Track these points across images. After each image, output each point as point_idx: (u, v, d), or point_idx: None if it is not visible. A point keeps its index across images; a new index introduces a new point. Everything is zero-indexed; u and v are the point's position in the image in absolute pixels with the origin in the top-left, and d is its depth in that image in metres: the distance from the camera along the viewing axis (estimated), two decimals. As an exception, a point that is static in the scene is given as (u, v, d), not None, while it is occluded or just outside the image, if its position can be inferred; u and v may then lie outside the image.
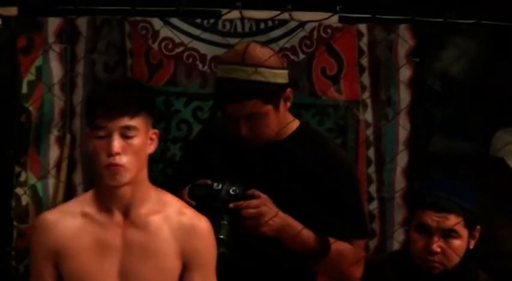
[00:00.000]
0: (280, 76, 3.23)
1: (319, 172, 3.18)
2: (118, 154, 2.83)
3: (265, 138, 3.23)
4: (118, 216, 2.93)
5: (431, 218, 3.35)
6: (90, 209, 2.94)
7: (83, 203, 2.96)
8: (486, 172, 4.06)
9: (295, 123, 3.28)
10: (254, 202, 3.13)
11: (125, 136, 2.85)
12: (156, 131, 2.94)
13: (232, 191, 3.14)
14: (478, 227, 3.41)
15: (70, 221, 2.94)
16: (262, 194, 3.16)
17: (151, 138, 2.92)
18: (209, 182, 3.18)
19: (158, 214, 2.93)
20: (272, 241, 3.15)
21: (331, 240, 3.18)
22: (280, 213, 3.15)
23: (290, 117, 3.27)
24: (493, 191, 4.00)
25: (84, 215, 2.94)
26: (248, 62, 3.18)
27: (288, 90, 3.24)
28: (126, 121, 2.85)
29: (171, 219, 2.94)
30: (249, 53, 3.19)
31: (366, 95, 4.00)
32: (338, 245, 3.19)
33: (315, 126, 3.98)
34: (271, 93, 3.20)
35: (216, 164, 3.22)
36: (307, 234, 3.15)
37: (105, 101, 2.85)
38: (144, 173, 2.93)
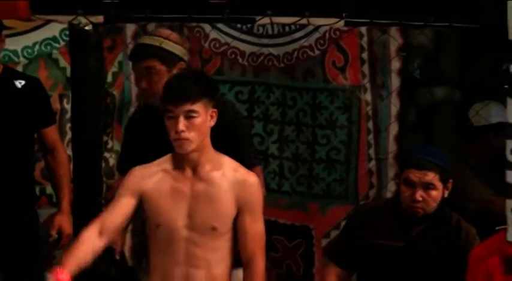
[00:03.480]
0: (177, 49, 3.34)
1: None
2: (182, 131, 2.92)
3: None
4: (188, 172, 3.01)
5: (415, 175, 3.39)
6: (168, 167, 3.02)
7: (163, 162, 3.05)
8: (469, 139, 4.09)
9: None
10: None
11: (188, 117, 2.92)
12: (215, 110, 3.00)
13: None
14: (451, 180, 3.45)
15: (153, 174, 3.03)
16: None
17: (211, 116, 2.99)
18: None
19: (218, 171, 3.02)
20: None
21: None
22: None
23: None
24: (473, 153, 4.04)
25: (164, 171, 3.02)
26: (155, 34, 3.35)
27: (182, 63, 3.33)
28: (189, 106, 2.93)
29: (228, 175, 3.03)
30: (159, 30, 3.37)
31: (366, 81, 4.05)
32: None
33: (327, 105, 4.04)
34: (167, 57, 3.30)
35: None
36: None
37: (173, 91, 2.93)
38: (207, 141, 3.01)
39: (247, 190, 3.02)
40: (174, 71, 3.31)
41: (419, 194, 3.38)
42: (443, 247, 3.41)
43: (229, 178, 3.01)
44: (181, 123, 2.91)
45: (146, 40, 3.37)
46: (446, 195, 3.45)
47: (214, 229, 2.99)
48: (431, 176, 3.38)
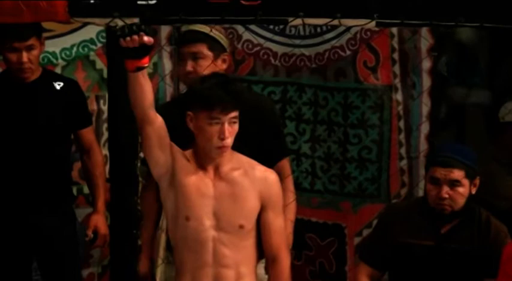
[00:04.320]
0: (224, 41, 3.38)
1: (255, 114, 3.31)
2: (228, 137, 2.94)
3: None
4: (210, 172, 3.02)
5: (440, 172, 3.39)
6: (192, 164, 3.02)
7: (188, 157, 3.03)
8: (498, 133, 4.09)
9: None
10: None
11: (230, 123, 2.95)
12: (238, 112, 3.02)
13: None
14: (478, 177, 3.44)
15: (186, 163, 3.00)
16: None
17: None
18: None
19: (238, 170, 3.03)
20: None
21: None
22: None
23: None
24: (505, 151, 4.04)
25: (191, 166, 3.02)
26: (203, 25, 3.34)
27: (226, 54, 3.37)
28: (234, 113, 2.96)
29: (249, 173, 3.04)
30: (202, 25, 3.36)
31: (397, 80, 4.06)
32: None
33: (359, 104, 4.06)
34: (214, 45, 3.33)
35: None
36: None
37: (222, 98, 2.93)
38: None
39: (269, 186, 3.05)
40: (219, 62, 3.34)
41: (445, 191, 3.38)
42: (473, 245, 3.41)
43: (250, 175, 3.03)
44: (227, 131, 2.93)
45: (194, 27, 3.38)
46: (473, 192, 3.44)
47: (241, 227, 3.01)
48: (457, 173, 3.38)
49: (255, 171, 3.04)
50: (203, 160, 3.01)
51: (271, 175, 3.07)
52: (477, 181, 3.45)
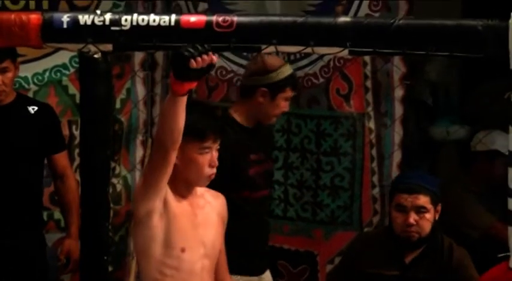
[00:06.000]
0: None
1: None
2: (216, 165, 2.92)
3: None
4: (191, 201, 2.97)
5: (406, 199, 3.40)
6: (175, 192, 2.95)
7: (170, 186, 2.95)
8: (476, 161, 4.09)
9: None
10: None
11: (216, 151, 2.93)
12: None
13: None
14: (440, 204, 3.46)
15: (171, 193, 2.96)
16: None
17: None
18: None
19: (202, 197, 3.01)
20: None
21: None
22: None
23: None
24: (476, 180, 4.06)
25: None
26: (278, 65, 3.64)
27: None
28: (219, 141, 2.94)
29: (210, 199, 3.03)
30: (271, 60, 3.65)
31: (370, 108, 4.06)
32: None
33: (332, 132, 4.07)
34: None
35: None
36: None
37: (214, 128, 2.91)
38: None
39: (224, 208, 3.06)
40: None
41: (412, 218, 3.39)
42: (436, 273, 3.41)
43: (212, 201, 3.03)
44: (215, 158, 2.91)
45: (289, 71, 3.63)
46: (436, 218, 3.45)
47: (220, 252, 3.01)
48: (423, 199, 3.40)
49: (210, 196, 3.03)
50: (182, 190, 2.95)
51: (223, 198, 3.07)
52: (439, 208, 3.47)
